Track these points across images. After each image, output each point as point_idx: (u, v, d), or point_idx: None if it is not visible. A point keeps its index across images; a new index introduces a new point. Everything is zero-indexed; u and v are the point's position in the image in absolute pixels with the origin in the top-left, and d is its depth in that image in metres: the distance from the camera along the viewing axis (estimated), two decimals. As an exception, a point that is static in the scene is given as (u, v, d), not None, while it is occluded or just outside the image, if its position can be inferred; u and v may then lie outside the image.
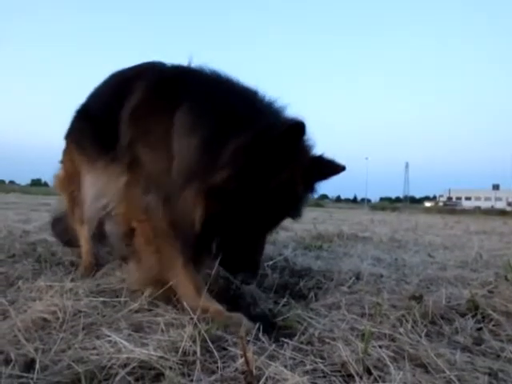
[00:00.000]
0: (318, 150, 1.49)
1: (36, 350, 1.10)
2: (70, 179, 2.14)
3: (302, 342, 1.26)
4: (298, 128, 1.29)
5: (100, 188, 1.82)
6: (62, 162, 2.25)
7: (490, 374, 1.15)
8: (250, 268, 1.50)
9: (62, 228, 2.46)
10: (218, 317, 1.36)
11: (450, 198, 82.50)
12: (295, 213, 1.54)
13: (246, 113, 1.45)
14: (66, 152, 2.19)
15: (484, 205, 62.75)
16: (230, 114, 1.45)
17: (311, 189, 1.55)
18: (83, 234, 2.14)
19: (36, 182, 70.52)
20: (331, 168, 1.54)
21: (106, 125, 1.75)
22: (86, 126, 1.97)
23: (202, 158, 1.42)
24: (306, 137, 1.37)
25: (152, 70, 1.78)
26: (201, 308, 1.36)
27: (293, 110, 1.52)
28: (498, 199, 71.48)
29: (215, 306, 1.42)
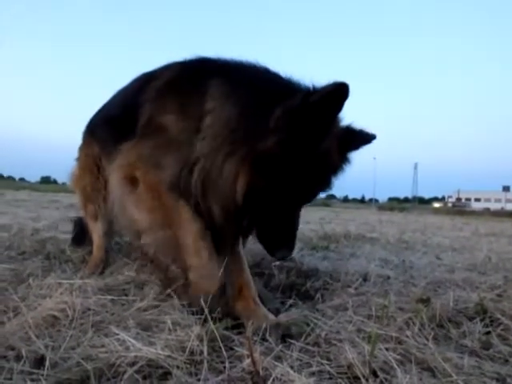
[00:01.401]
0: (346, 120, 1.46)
1: (46, 346, 1.12)
2: (83, 175, 2.13)
3: (308, 344, 1.27)
4: (343, 88, 1.25)
5: None
6: (77, 159, 2.23)
7: (497, 379, 1.15)
8: (287, 243, 1.46)
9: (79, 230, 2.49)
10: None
11: (459, 199, 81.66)
12: (328, 184, 1.51)
13: (281, 83, 1.43)
14: (83, 147, 2.20)
15: (494, 206, 62.01)
16: (267, 84, 1.44)
17: (346, 159, 1.52)
18: (96, 230, 2.13)
19: (46, 180, 71.37)
20: (362, 137, 1.52)
21: (127, 117, 1.72)
22: (108, 120, 1.98)
23: (246, 125, 1.38)
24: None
25: (176, 63, 1.75)
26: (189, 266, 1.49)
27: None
28: (509, 201, 70.47)
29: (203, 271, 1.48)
